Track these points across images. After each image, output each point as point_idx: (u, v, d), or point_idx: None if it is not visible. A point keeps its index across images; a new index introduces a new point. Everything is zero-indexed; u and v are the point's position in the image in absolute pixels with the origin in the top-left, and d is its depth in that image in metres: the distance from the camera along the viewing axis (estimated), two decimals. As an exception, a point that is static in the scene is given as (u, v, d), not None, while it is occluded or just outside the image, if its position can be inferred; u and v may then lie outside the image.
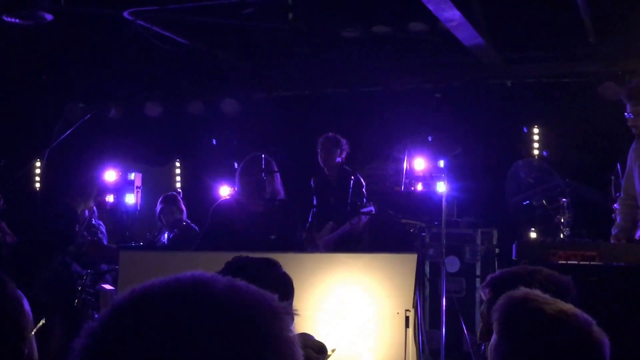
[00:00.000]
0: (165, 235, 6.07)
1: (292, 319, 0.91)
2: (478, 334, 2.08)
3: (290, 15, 5.56)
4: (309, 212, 5.97)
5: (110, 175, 7.45)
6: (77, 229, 2.68)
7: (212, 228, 4.58)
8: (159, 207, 6.34)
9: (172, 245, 5.82)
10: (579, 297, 1.92)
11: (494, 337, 1.59)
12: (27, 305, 1.45)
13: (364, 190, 5.95)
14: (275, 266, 2.27)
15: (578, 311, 1.55)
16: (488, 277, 2.23)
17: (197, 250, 4.69)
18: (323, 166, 6.04)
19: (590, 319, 1.54)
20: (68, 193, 2.73)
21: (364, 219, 5.68)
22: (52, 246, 2.71)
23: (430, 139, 6.19)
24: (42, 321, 1.51)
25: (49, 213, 2.69)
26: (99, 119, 7.25)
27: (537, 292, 1.61)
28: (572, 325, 1.50)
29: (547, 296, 1.61)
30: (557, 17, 5.88)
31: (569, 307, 1.56)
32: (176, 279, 0.88)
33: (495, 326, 1.58)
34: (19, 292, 1.46)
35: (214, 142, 7.86)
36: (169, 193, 6.71)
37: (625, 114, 4.29)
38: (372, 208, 5.73)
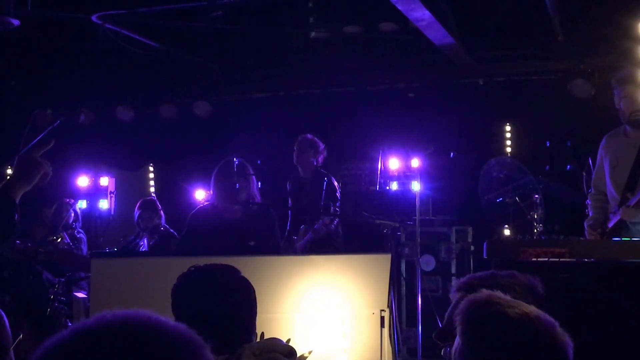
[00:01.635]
0: (145, 241, 6.01)
1: (210, 350, 0.93)
2: (435, 333, 2.01)
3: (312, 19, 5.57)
4: (286, 215, 5.95)
5: (82, 181, 7.39)
6: (16, 218, 2.55)
7: (189, 235, 4.53)
8: (137, 212, 6.27)
9: (152, 252, 5.76)
10: (550, 294, 1.92)
11: (457, 340, 1.59)
12: (7, 321, 1.50)
13: (337, 194, 5.93)
14: (231, 272, 2.25)
15: (541, 313, 1.55)
16: (455, 282, 2.22)
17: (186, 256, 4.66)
18: (296, 165, 6.02)
19: (553, 321, 1.53)
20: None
21: (334, 222, 5.66)
22: None
23: (431, 149, 6.27)
24: (20, 336, 1.49)
25: None
26: (68, 124, 7.14)
27: (500, 295, 1.61)
28: (535, 328, 1.50)
29: (510, 299, 1.60)
30: (526, 16, 5.95)
31: (531, 309, 1.55)
32: (105, 325, 0.90)
33: (458, 330, 1.58)
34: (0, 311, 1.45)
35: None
36: (148, 198, 6.64)
37: (617, 103, 4.42)
38: (336, 207, 5.69)
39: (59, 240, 5.92)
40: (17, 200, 2.58)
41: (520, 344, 1.49)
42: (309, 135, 6.02)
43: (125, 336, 0.87)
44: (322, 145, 6.00)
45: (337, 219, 5.65)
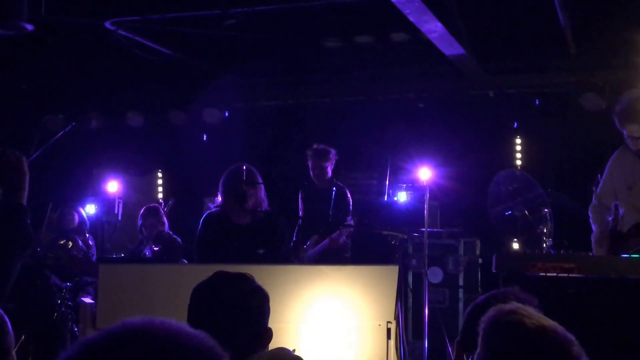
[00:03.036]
0: (150, 249, 6.00)
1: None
2: (456, 342, 2.09)
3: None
4: (294, 223, 5.92)
5: (91, 186, 7.40)
6: (28, 222, 2.62)
7: (202, 239, 4.52)
8: (140, 219, 6.26)
9: (157, 259, 5.74)
10: (557, 309, 1.92)
11: (478, 348, 1.62)
12: (9, 324, 1.50)
13: (350, 206, 5.91)
14: (246, 281, 2.24)
15: (560, 328, 1.56)
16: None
17: (194, 263, 4.66)
18: (314, 180, 5.97)
19: (571, 337, 1.55)
20: (6, 185, 2.68)
21: (346, 233, 5.63)
22: (11, 249, 2.66)
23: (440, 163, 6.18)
24: (22, 338, 1.52)
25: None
26: (80, 129, 7.17)
27: (527, 307, 1.64)
28: (551, 342, 1.52)
29: (534, 311, 1.62)
30: (538, 28, 5.92)
31: (550, 323, 1.57)
32: (122, 330, 0.92)
33: (479, 337, 1.62)
34: (1, 312, 1.49)
35: (204, 137, 7.77)
36: (151, 205, 6.62)
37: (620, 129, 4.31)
38: (349, 220, 5.68)
39: (71, 245, 5.91)
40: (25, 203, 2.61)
41: (534, 356, 1.51)
42: (321, 147, 5.95)
43: (147, 342, 0.89)
44: (333, 152, 5.94)
45: (349, 227, 5.63)
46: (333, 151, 5.93)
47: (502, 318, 1.59)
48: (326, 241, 5.59)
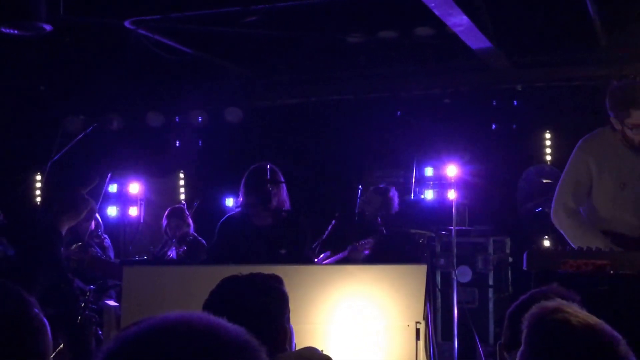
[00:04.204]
0: (174, 251, 5.94)
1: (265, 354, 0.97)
2: (499, 343, 2.09)
3: None
4: (316, 223, 5.81)
5: (111, 188, 7.37)
6: (61, 250, 2.58)
7: (219, 243, 4.45)
8: (165, 220, 6.20)
9: (181, 261, 5.69)
10: (591, 307, 1.83)
11: (522, 346, 1.61)
12: (49, 329, 1.53)
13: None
14: (270, 282, 2.23)
15: (607, 327, 1.54)
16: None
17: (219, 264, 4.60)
18: (358, 213, 5.87)
19: (618, 335, 1.53)
20: (53, 208, 2.65)
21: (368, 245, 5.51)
22: (32, 266, 2.61)
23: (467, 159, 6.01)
24: (61, 346, 1.50)
25: (31, 229, 2.62)
26: (100, 130, 7.14)
27: (570, 304, 1.63)
28: (598, 340, 1.50)
29: (578, 309, 1.61)
30: (567, 20, 5.80)
31: (597, 321, 1.56)
32: (162, 324, 0.94)
33: (523, 334, 1.61)
34: (42, 316, 1.52)
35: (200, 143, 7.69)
36: (176, 206, 6.57)
37: (622, 126, 3.78)
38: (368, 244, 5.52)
39: (87, 249, 5.88)
40: (63, 233, 2.58)
41: (581, 354, 1.50)
42: (385, 188, 5.96)
43: (188, 335, 0.91)
44: (392, 191, 5.96)
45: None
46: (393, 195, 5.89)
47: (547, 316, 1.59)
48: (346, 252, 5.45)
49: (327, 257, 5.55)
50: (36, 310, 1.52)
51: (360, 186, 5.69)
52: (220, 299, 2.14)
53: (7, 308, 1.48)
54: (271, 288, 2.21)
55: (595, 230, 3.91)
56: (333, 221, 5.91)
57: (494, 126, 6.68)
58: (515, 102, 6.62)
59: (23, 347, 1.46)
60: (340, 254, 5.51)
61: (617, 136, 3.86)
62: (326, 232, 5.85)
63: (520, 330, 1.80)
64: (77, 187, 2.69)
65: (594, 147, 3.95)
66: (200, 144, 7.89)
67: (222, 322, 0.96)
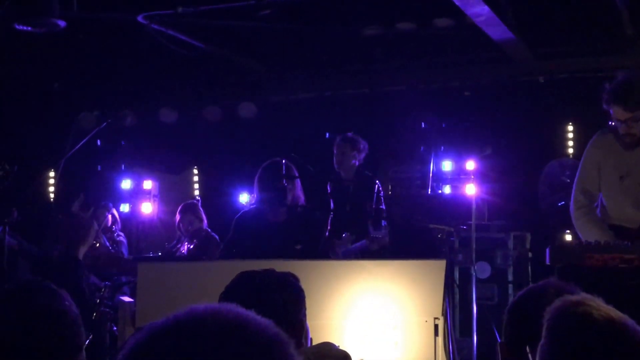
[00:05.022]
0: (185, 245, 5.91)
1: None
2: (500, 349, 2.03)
3: None
4: (326, 218, 5.71)
5: (125, 184, 7.35)
6: (84, 280, 2.64)
7: (234, 239, 4.41)
8: (178, 216, 6.18)
9: (192, 257, 5.65)
10: (618, 302, 1.77)
11: (542, 339, 1.57)
12: (81, 323, 1.61)
13: (382, 199, 5.63)
14: (285, 277, 2.23)
15: (630, 321, 1.50)
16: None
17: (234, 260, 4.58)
18: (337, 169, 5.70)
19: None
20: (65, 239, 2.69)
21: (385, 233, 5.36)
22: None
23: (488, 151, 5.87)
24: (90, 337, 1.53)
25: (52, 264, 2.68)
26: (114, 126, 7.11)
27: (594, 298, 1.58)
28: (621, 335, 1.47)
29: (602, 303, 1.56)
30: (592, 9, 5.71)
31: (621, 316, 1.51)
32: (191, 316, 0.94)
33: (544, 328, 1.56)
34: (76, 310, 1.61)
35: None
36: (189, 201, 6.54)
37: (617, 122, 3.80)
38: (384, 233, 5.35)
39: (97, 244, 5.88)
40: (81, 257, 2.62)
41: (603, 348, 1.47)
42: (349, 134, 5.66)
43: (217, 328, 0.92)
44: (362, 142, 5.63)
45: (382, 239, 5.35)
46: (359, 140, 5.61)
47: (569, 309, 1.54)
48: (363, 242, 5.31)
49: (347, 240, 5.38)
50: (68, 303, 1.60)
51: (376, 184, 5.53)
52: (237, 293, 2.14)
53: (44, 303, 1.55)
54: (288, 284, 2.22)
55: (600, 224, 3.93)
56: (328, 187, 5.76)
57: (514, 121, 6.57)
58: (536, 95, 6.52)
59: (63, 340, 1.53)
60: (359, 244, 5.37)
61: None
62: (331, 203, 5.72)
63: (523, 327, 1.86)
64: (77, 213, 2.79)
65: (603, 141, 3.99)
66: (213, 140, 7.84)
67: (251, 314, 0.96)
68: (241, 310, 0.96)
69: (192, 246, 5.85)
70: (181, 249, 5.98)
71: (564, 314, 1.55)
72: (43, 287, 1.58)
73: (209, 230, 6.10)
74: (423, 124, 6.56)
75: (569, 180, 5.72)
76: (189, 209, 6.18)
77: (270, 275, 2.21)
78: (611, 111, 3.81)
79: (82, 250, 2.66)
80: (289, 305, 2.15)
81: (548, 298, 2.00)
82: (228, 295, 2.15)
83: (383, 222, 5.29)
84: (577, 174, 4.08)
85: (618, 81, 3.83)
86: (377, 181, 5.57)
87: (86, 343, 1.64)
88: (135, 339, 0.92)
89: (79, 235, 2.68)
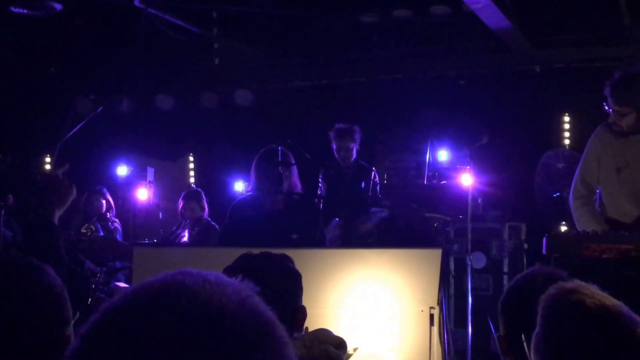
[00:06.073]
0: (187, 232, 5.91)
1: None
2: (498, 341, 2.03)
3: None
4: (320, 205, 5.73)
5: (121, 171, 7.32)
6: (61, 243, 2.52)
7: (230, 227, 4.38)
8: (181, 202, 6.17)
9: (192, 244, 5.66)
10: (615, 293, 1.77)
11: (537, 327, 1.58)
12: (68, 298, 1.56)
13: (377, 187, 5.71)
14: (284, 260, 2.25)
15: (625, 308, 1.50)
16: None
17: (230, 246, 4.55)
18: (340, 161, 5.80)
19: (637, 318, 1.48)
20: (41, 200, 2.59)
21: (374, 220, 5.42)
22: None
23: (485, 141, 5.85)
24: (77, 315, 1.58)
25: (25, 228, 2.59)
26: (110, 112, 7.08)
27: (589, 286, 1.58)
28: (614, 323, 1.46)
29: (597, 290, 1.56)
30: (589, -2, 5.64)
31: (615, 303, 1.51)
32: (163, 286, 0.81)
33: (539, 315, 1.57)
34: (61, 283, 1.56)
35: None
36: (193, 189, 6.54)
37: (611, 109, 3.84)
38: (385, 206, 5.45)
39: (89, 233, 5.87)
40: (55, 221, 2.53)
41: (595, 336, 1.47)
42: (344, 126, 5.77)
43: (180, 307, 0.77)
44: (357, 130, 5.75)
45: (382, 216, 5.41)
46: (357, 128, 5.73)
47: (563, 297, 1.54)
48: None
49: (337, 225, 5.46)
50: (53, 275, 1.55)
51: (372, 172, 5.54)
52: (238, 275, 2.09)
53: (24, 278, 1.51)
54: (287, 266, 2.22)
55: (597, 216, 3.94)
56: (321, 172, 5.82)
57: (510, 110, 6.54)
58: (533, 85, 6.49)
59: (48, 315, 1.49)
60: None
61: None
62: (319, 190, 5.77)
63: (517, 318, 1.88)
64: (53, 172, 2.66)
65: (605, 132, 4.00)
66: (210, 127, 7.81)
67: (231, 285, 0.80)
68: (221, 281, 0.82)
69: (194, 233, 5.85)
70: (181, 235, 5.97)
71: (558, 302, 1.55)
72: (22, 262, 1.54)
73: (209, 219, 6.10)
74: (420, 113, 6.56)
75: (565, 171, 5.71)
76: (193, 196, 6.18)
77: (271, 259, 2.22)
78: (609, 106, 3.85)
79: (57, 214, 2.57)
80: (290, 288, 2.17)
81: (537, 286, 2.00)
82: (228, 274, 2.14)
83: (373, 209, 5.33)
84: (579, 164, 4.10)
85: (623, 73, 3.85)
86: (373, 169, 5.67)
87: (75, 317, 1.58)
88: (108, 305, 0.79)
89: (54, 196, 2.56)
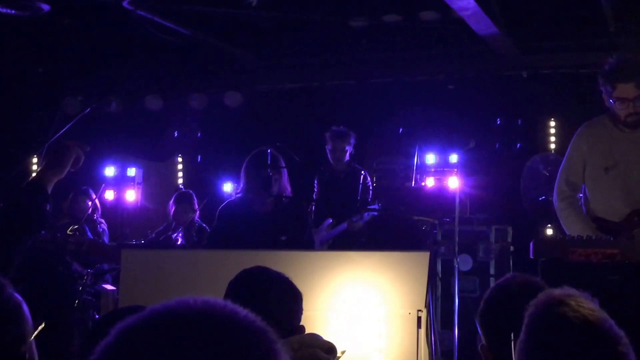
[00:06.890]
0: (181, 235, 5.90)
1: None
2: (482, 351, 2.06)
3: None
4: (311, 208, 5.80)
5: (109, 171, 7.29)
6: (47, 208, 2.46)
7: (218, 229, 4.38)
8: (173, 205, 6.15)
9: (181, 246, 5.65)
10: (600, 297, 1.79)
11: (521, 335, 1.58)
12: (26, 309, 1.49)
13: (370, 189, 5.78)
14: (284, 279, 2.25)
15: (608, 323, 1.49)
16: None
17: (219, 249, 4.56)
18: (333, 163, 5.86)
19: (619, 333, 1.48)
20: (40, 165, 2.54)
21: (366, 217, 5.50)
22: (19, 227, 2.52)
23: (472, 145, 5.87)
24: (42, 325, 1.52)
25: (14, 190, 2.50)
26: (99, 112, 7.04)
27: (577, 295, 1.56)
28: (595, 337, 1.46)
29: (584, 301, 1.55)
30: (576, 5, 5.72)
31: (597, 317, 1.50)
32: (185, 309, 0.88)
33: (525, 323, 1.57)
34: (18, 296, 1.49)
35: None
36: (184, 190, 6.52)
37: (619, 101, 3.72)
38: (376, 206, 5.55)
39: (76, 234, 5.83)
40: (49, 190, 2.47)
41: (578, 352, 1.46)
42: (342, 129, 5.90)
43: (204, 321, 0.87)
44: (352, 134, 5.87)
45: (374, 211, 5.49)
46: (350, 133, 5.86)
47: (547, 309, 1.54)
48: (344, 224, 5.46)
49: (331, 226, 5.55)
50: (10, 291, 1.48)
51: (362, 174, 5.59)
52: (241, 293, 2.15)
53: None
54: (288, 286, 2.23)
55: (583, 216, 3.92)
56: (317, 176, 5.91)
57: (498, 115, 6.60)
58: (520, 90, 6.54)
59: (1, 331, 1.43)
60: (340, 227, 5.55)
61: (612, 120, 3.86)
62: (314, 194, 5.85)
63: (497, 327, 1.89)
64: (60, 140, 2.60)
65: (590, 132, 3.96)
66: (199, 129, 7.79)
67: (240, 309, 0.89)
68: (229, 303, 0.90)
69: (190, 237, 5.84)
70: (173, 236, 5.95)
71: (542, 314, 1.55)
72: None
73: (200, 221, 6.09)
74: (408, 116, 6.60)
75: (550, 175, 5.77)
76: (186, 199, 6.16)
77: (277, 278, 2.23)
78: (611, 91, 3.71)
79: (53, 179, 2.49)
80: (289, 308, 2.20)
81: (513, 294, 2.02)
82: (234, 294, 2.16)
83: (366, 214, 5.38)
84: (562, 164, 4.06)
85: (621, 60, 3.76)
86: (364, 172, 5.75)
87: (38, 329, 1.51)
88: (121, 327, 0.86)
89: (52, 157, 2.50)
